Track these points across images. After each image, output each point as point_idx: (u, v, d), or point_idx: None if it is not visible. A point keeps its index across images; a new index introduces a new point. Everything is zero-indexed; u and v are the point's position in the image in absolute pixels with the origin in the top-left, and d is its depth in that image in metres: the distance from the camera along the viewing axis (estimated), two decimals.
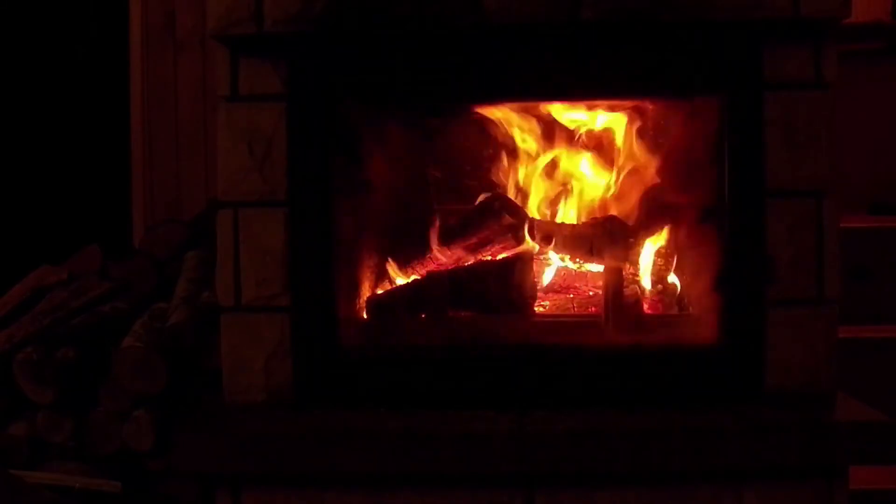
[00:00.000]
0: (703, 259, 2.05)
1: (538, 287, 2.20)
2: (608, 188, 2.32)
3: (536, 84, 2.00)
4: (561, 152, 2.32)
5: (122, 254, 2.68)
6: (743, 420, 1.84)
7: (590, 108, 2.24)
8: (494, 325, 2.10)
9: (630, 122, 2.25)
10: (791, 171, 1.95)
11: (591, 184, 2.33)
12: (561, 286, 2.27)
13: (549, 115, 2.26)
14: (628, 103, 2.21)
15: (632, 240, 2.20)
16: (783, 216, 1.95)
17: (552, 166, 2.34)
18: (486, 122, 2.31)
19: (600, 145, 2.31)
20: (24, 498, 1.92)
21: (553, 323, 2.15)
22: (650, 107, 2.21)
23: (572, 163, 2.32)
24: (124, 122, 3.24)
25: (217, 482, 1.88)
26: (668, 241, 2.20)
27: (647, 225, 2.24)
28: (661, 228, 2.20)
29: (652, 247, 2.21)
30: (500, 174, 2.36)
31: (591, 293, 2.24)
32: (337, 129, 2.02)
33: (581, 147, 2.31)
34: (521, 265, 2.15)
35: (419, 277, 2.24)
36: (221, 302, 2.01)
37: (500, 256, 2.26)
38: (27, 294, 2.50)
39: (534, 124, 2.28)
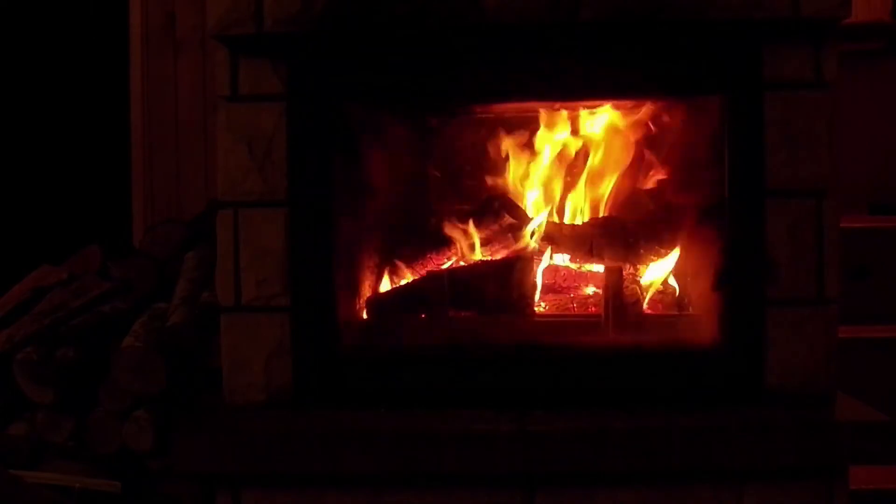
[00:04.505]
0: (703, 259, 2.05)
1: (538, 287, 2.20)
2: (608, 188, 2.32)
3: (536, 84, 2.00)
4: (561, 152, 2.32)
5: (122, 254, 2.68)
6: (743, 420, 1.84)
7: (590, 108, 2.25)
8: (494, 325, 2.10)
9: (629, 122, 2.25)
10: (791, 171, 1.95)
11: (590, 184, 2.33)
12: (561, 286, 2.27)
13: (548, 114, 2.26)
14: (628, 103, 2.21)
15: (632, 240, 2.20)
16: (783, 216, 1.95)
17: (552, 166, 2.34)
18: (485, 122, 2.31)
19: (600, 145, 2.31)
20: (24, 498, 1.92)
21: (553, 323, 2.16)
22: (650, 107, 2.21)
23: (572, 162, 2.32)
24: (124, 123, 3.24)
25: (217, 482, 1.88)
26: (668, 240, 2.20)
27: (647, 225, 2.24)
28: (661, 229, 2.21)
29: (652, 247, 2.21)
30: (500, 174, 2.36)
31: (591, 293, 2.24)
32: (337, 129, 2.02)
33: (581, 147, 2.31)
34: (521, 265, 2.15)
35: (419, 277, 2.24)
36: (221, 302, 2.01)
37: (499, 256, 2.26)
38: (27, 294, 2.50)
39: (533, 124, 2.29)
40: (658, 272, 2.20)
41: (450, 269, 2.24)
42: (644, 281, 2.20)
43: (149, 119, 3.21)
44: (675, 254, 2.17)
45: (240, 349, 2.00)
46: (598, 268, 2.22)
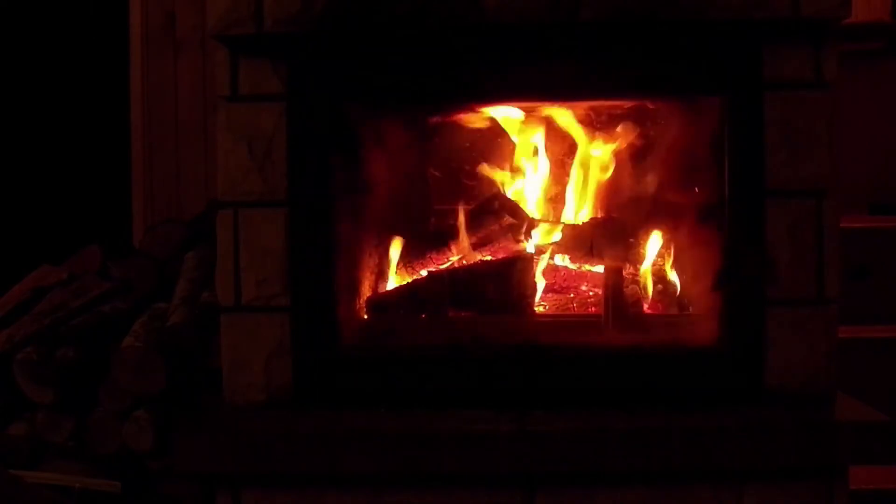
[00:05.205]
0: (703, 259, 2.05)
1: (538, 287, 2.20)
2: (608, 188, 2.31)
3: (536, 84, 2.00)
4: (560, 152, 2.32)
5: (122, 254, 2.68)
6: (743, 420, 1.85)
7: (589, 108, 2.25)
8: (494, 325, 2.10)
9: (630, 121, 2.25)
10: (791, 171, 1.95)
11: (590, 184, 2.33)
12: (561, 286, 2.27)
13: (548, 114, 2.26)
14: (628, 103, 2.21)
15: (632, 240, 2.20)
16: (783, 216, 1.95)
17: (552, 166, 2.34)
18: (485, 122, 2.31)
19: (600, 145, 2.31)
20: (24, 498, 1.92)
21: (553, 323, 2.15)
22: (650, 106, 2.21)
23: (571, 162, 2.32)
24: (124, 123, 3.24)
25: (217, 482, 1.88)
26: (668, 240, 2.20)
27: (647, 225, 2.24)
28: (661, 228, 2.21)
29: (652, 247, 2.21)
30: (500, 174, 2.36)
31: (591, 293, 2.24)
32: (337, 129, 2.02)
33: (580, 147, 2.31)
34: (521, 265, 2.15)
35: (419, 277, 2.24)
36: (221, 302, 2.01)
37: (500, 256, 2.26)
38: (27, 294, 2.50)
39: (533, 124, 2.29)
40: (655, 271, 2.20)
41: (450, 269, 2.24)
42: (643, 280, 2.20)
43: (149, 119, 3.22)
44: (665, 247, 2.18)
45: (240, 349, 2.00)
46: (598, 268, 2.22)
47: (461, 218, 2.29)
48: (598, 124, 2.29)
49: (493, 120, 2.29)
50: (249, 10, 1.90)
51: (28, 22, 3.39)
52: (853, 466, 1.87)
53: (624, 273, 2.15)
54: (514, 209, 2.28)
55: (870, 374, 2.53)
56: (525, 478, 1.85)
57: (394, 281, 2.27)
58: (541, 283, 2.22)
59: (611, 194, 2.32)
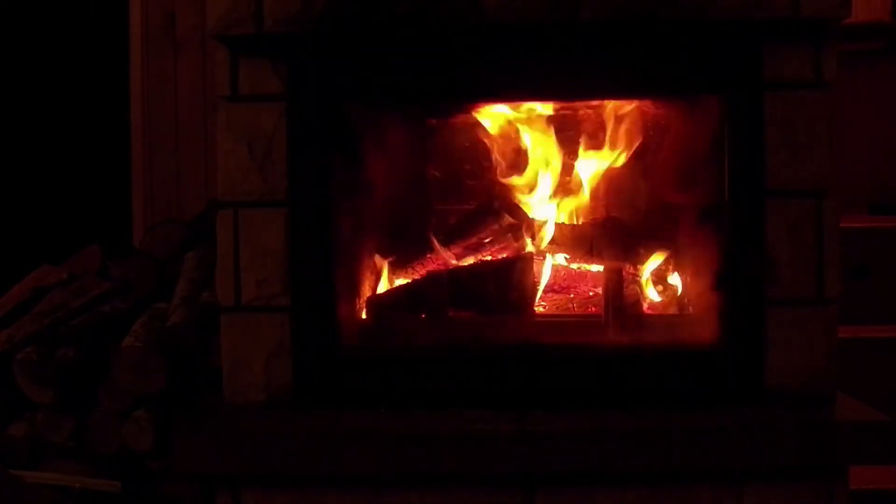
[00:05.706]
0: (703, 259, 2.05)
1: (538, 287, 2.20)
2: (608, 188, 2.31)
3: (536, 84, 2.00)
4: (559, 152, 2.32)
5: (122, 254, 2.68)
6: (743, 420, 1.85)
7: (589, 108, 2.25)
8: (494, 325, 2.10)
9: (630, 121, 2.25)
10: (791, 171, 1.95)
11: (590, 184, 2.33)
12: (561, 286, 2.27)
13: (548, 114, 2.26)
14: (628, 103, 2.21)
15: (632, 240, 2.20)
16: (783, 216, 1.95)
17: (551, 166, 2.34)
18: (485, 122, 2.31)
19: (599, 145, 2.31)
20: (24, 498, 1.92)
21: (553, 323, 2.15)
22: (650, 106, 2.21)
23: (571, 162, 2.32)
24: (124, 123, 3.24)
25: (217, 482, 1.88)
26: (668, 240, 2.20)
27: (646, 225, 2.24)
28: (661, 228, 2.21)
29: (652, 247, 2.21)
30: (500, 174, 2.36)
31: (591, 293, 2.24)
32: (337, 129, 2.02)
33: (580, 146, 2.31)
34: (521, 265, 2.15)
35: (419, 277, 2.24)
36: (221, 302, 2.01)
37: (500, 256, 2.26)
38: (27, 294, 2.50)
39: (533, 124, 2.29)
40: (655, 271, 2.20)
41: (450, 269, 2.24)
42: (643, 280, 2.20)
43: (149, 119, 3.22)
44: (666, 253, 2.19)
45: (240, 349, 2.00)
46: (598, 268, 2.22)
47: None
48: (598, 123, 2.29)
49: (492, 120, 2.29)
50: (249, 10, 1.90)
51: (28, 22, 3.39)
52: (853, 466, 1.87)
53: (624, 273, 2.15)
54: (514, 209, 2.28)
55: (870, 374, 2.53)
56: (525, 478, 1.85)
57: (394, 281, 2.27)
58: (541, 282, 2.22)
59: (611, 194, 2.32)
